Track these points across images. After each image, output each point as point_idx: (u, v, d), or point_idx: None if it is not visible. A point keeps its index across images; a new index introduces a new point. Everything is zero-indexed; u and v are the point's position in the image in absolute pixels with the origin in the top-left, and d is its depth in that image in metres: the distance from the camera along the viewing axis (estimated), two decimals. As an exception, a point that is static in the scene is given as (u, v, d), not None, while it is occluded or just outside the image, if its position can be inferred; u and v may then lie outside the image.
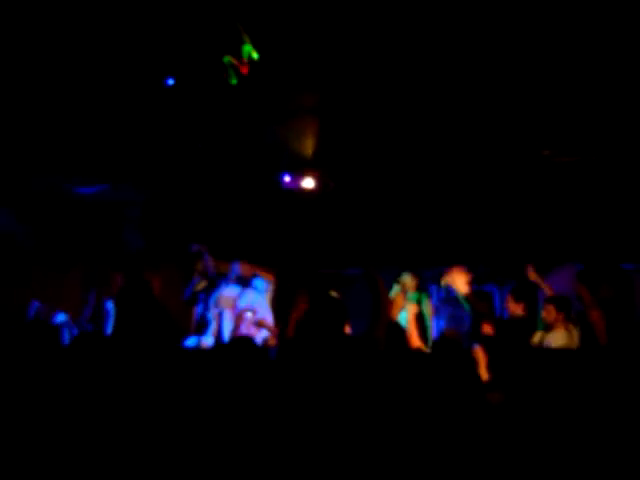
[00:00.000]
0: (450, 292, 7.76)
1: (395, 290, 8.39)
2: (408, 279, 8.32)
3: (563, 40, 5.64)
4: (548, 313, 6.75)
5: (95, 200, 9.27)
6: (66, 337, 7.49)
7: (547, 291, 7.33)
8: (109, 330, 8.15)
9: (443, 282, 7.77)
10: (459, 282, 7.28)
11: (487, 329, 7.05)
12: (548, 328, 6.73)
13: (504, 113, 7.09)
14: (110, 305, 8.34)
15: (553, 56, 5.96)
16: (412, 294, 8.27)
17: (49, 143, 8.02)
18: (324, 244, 9.66)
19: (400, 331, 7.18)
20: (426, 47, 6.13)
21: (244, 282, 8.16)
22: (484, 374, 6.03)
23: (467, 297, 7.19)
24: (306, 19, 5.99)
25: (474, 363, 6.19)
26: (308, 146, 7.54)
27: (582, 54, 5.81)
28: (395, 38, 6.09)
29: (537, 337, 6.78)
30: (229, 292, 8.15)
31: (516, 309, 7.14)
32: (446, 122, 7.24)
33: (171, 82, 6.99)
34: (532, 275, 7.47)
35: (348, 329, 6.28)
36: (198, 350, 7.30)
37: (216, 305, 8.19)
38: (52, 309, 8.30)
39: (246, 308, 7.87)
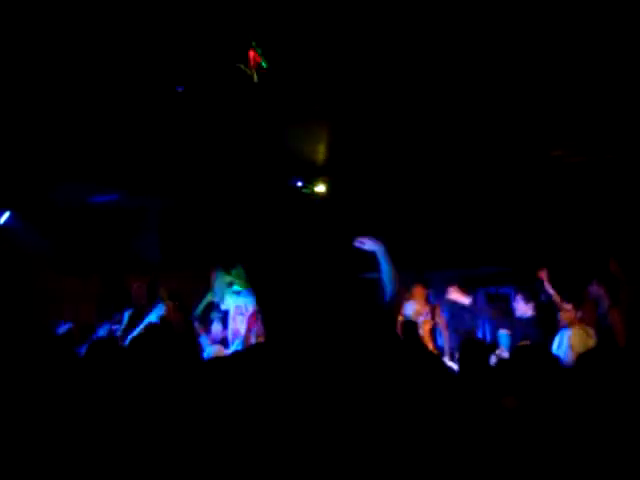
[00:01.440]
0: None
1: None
2: (417, 290, 8.23)
3: (572, 41, 5.60)
4: (566, 312, 6.71)
5: (111, 209, 9.33)
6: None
7: (555, 295, 7.26)
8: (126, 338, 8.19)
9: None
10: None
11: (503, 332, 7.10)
12: (565, 328, 6.67)
13: (514, 116, 7.05)
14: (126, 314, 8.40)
15: (562, 56, 5.92)
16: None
17: (64, 154, 8.07)
18: (340, 249, 9.64)
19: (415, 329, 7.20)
20: (435, 51, 6.11)
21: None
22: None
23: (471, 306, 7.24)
24: (315, 25, 5.98)
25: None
26: (320, 152, 7.55)
27: (591, 54, 5.76)
28: (403, 43, 6.07)
29: (556, 339, 6.71)
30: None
31: (526, 310, 7.14)
32: (457, 126, 7.21)
33: (181, 89, 7.02)
34: (544, 277, 7.45)
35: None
36: (215, 359, 7.28)
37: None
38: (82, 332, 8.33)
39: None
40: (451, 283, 7.43)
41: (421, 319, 8.01)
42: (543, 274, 7.41)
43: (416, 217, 9.22)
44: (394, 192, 8.77)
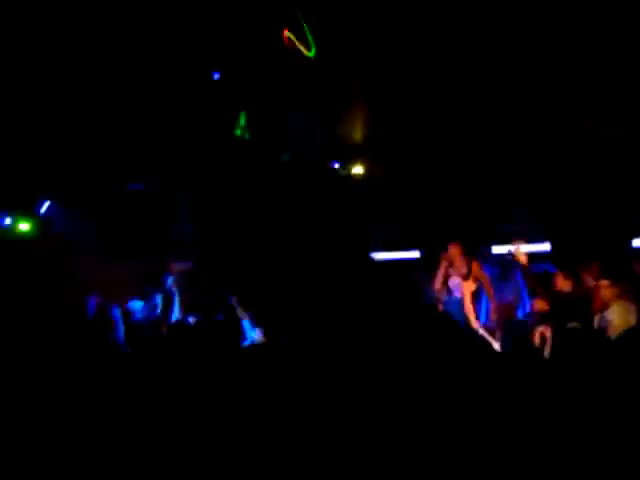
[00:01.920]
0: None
1: (443, 264, 7.94)
2: (453, 250, 7.97)
3: (604, 14, 5.57)
4: (604, 290, 6.62)
5: (148, 194, 9.42)
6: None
7: (593, 271, 7.20)
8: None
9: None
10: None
11: (540, 305, 7.04)
12: (605, 306, 6.58)
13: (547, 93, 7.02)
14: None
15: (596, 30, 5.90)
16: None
17: (100, 140, 8.18)
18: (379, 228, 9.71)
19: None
20: (470, 31, 6.11)
21: None
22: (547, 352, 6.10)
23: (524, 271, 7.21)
24: (354, 8, 6.02)
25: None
26: (357, 133, 7.57)
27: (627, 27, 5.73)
28: (436, 23, 6.08)
29: (596, 318, 6.68)
30: None
31: (564, 285, 7.13)
32: (495, 102, 7.20)
33: (217, 76, 7.11)
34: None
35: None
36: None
37: None
38: (109, 303, 8.45)
39: None
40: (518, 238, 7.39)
41: (457, 281, 7.74)
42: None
43: (456, 193, 9.18)
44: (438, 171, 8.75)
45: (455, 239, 8.47)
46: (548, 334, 6.29)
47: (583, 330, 5.77)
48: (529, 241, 9.33)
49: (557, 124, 7.99)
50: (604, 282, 6.69)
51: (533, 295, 7.31)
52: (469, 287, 7.56)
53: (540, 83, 7.31)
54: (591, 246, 7.98)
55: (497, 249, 10.06)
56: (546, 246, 9.61)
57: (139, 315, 8.31)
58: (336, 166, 8.30)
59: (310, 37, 5.88)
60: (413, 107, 7.39)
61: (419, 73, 6.98)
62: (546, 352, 6.19)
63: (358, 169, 8.31)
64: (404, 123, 7.49)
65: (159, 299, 8.62)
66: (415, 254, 10.83)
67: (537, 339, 6.38)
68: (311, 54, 6.00)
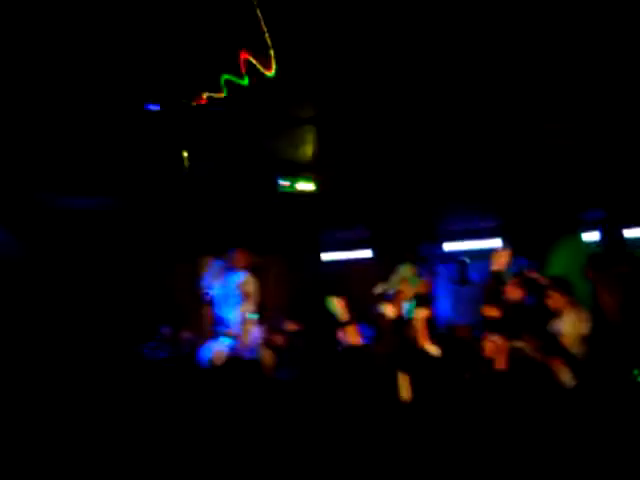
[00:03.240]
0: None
1: (394, 281, 8.08)
2: (407, 270, 8.07)
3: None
4: (554, 300, 6.57)
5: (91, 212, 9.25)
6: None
7: (542, 279, 7.11)
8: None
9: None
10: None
11: (490, 312, 6.92)
12: (556, 314, 6.54)
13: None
14: None
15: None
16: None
17: (44, 159, 8.01)
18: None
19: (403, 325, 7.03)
20: (418, 46, 6.06)
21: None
22: (500, 363, 6.12)
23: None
24: (300, 30, 5.94)
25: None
26: (305, 153, 7.52)
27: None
28: (383, 39, 6.02)
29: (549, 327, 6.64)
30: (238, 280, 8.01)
31: (514, 294, 6.97)
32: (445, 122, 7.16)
33: (155, 107, 7.00)
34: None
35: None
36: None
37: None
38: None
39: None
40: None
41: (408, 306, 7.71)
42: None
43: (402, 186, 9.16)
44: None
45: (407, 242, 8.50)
46: (501, 344, 6.20)
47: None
48: (481, 237, 9.45)
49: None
50: (553, 291, 6.61)
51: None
52: (423, 314, 7.36)
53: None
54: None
55: (449, 246, 10.14)
56: (497, 242, 9.66)
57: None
58: (281, 182, 8.16)
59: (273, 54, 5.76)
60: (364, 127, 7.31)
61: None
62: (500, 363, 6.17)
63: (306, 185, 8.19)
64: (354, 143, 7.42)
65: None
66: (368, 253, 10.99)
67: (489, 349, 6.30)
68: (271, 75, 5.89)
